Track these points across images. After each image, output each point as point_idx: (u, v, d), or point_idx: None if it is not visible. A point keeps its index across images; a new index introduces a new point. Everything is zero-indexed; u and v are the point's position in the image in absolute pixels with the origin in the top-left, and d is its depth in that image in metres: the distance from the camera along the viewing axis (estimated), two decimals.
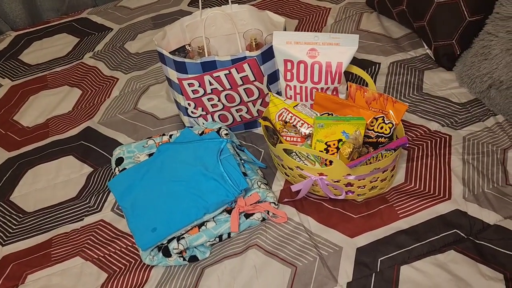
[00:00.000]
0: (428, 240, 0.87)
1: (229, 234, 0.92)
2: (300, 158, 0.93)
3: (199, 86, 1.03)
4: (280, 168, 1.01)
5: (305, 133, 0.95)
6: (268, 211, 0.94)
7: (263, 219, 0.94)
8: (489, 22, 1.09)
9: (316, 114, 0.95)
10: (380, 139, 0.94)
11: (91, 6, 1.78)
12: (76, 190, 1.08)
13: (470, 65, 1.12)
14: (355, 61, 1.14)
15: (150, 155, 1.05)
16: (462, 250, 0.84)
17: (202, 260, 0.90)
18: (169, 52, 1.02)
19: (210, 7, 1.17)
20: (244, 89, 1.04)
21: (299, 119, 0.95)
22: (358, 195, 0.94)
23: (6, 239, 1.00)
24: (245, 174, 0.96)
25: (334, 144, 0.92)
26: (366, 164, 0.87)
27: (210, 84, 1.03)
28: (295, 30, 1.46)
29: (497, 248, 0.83)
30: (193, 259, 0.90)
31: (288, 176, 0.99)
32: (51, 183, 1.11)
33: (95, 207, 1.04)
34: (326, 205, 0.96)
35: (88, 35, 1.59)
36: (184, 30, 1.13)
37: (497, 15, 1.07)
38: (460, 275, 0.81)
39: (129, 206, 0.94)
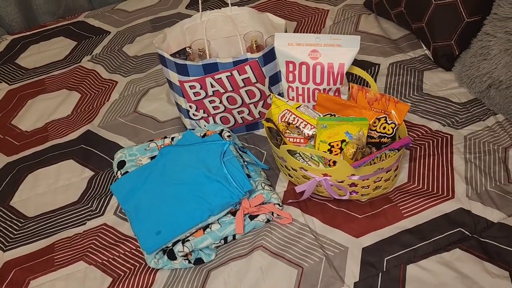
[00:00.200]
0: (433, 239, 0.87)
1: (234, 236, 0.92)
2: (303, 159, 0.93)
3: (200, 89, 1.03)
4: (283, 170, 1.01)
5: (308, 134, 0.95)
6: (272, 213, 0.94)
7: (268, 221, 0.94)
8: (487, 23, 1.10)
9: (319, 115, 0.96)
10: (382, 139, 0.94)
11: (87, 9, 1.77)
12: (77, 194, 1.08)
13: (469, 65, 1.13)
14: (355, 62, 1.14)
15: (152, 158, 1.04)
16: (467, 249, 0.85)
17: (208, 262, 0.90)
18: (170, 55, 1.02)
19: (211, 9, 1.17)
20: (245, 91, 1.04)
21: (302, 120, 0.95)
22: (362, 195, 0.94)
23: (7, 244, 0.99)
24: (248, 176, 0.96)
25: (337, 145, 0.92)
26: (370, 164, 0.88)
27: (212, 86, 1.02)
28: (294, 32, 1.46)
29: (502, 246, 0.84)
30: (199, 261, 0.89)
31: (292, 177, 0.99)
32: (51, 187, 1.10)
33: (97, 211, 1.03)
34: (330, 205, 0.96)
35: (86, 39, 1.58)
36: (184, 32, 1.13)
37: (495, 15, 1.08)
38: (466, 273, 0.81)
39: (132, 209, 0.94)
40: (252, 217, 0.93)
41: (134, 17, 1.66)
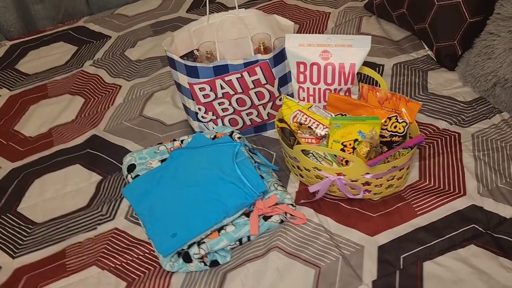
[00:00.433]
0: (448, 236, 0.88)
1: (248, 237, 0.92)
2: (317, 159, 0.94)
3: (210, 91, 1.03)
4: (294, 170, 1.01)
5: (320, 134, 0.95)
6: (285, 213, 0.94)
7: (281, 221, 0.94)
8: (490, 23, 1.12)
9: (331, 115, 0.96)
10: (394, 138, 0.95)
11: (87, 14, 1.76)
12: (86, 199, 1.06)
13: (474, 64, 1.15)
14: None
15: (162, 161, 1.04)
16: (482, 244, 0.86)
17: (223, 264, 0.89)
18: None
19: (213, 13, 1.17)
20: (255, 92, 1.04)
21: (314, 120, 0.95)
22: (374, 194, 0.95)
23: (16, 251, 0.97)
24: (261, 177, 0.96)
25: (350, 144, 0.92)
26: (384, 163, 0.88)
27: (222, 88, 1.02)
28: None
29: None
30: (214, 263, 0.89)
31: (303, 177, 0.99)
32: (59, 192, 1.09)
33: (107, 215, 1.02)
34: (344, 205, 0.96)
35: (87, 43, 1.57)
36: (191, 35, 1.13)
37: (498, 15, 1.10)
38: (482, 268, 0.82)
39: (146, 212, 0.93)
40: (266, 218, 0.93)
41: (134, 21, 1.66)
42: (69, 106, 1.33)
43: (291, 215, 0.94)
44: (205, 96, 1.04)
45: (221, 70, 0.99)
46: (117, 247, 0.95)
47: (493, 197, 0.92)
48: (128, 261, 0.92)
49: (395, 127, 0.94)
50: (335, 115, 0.96)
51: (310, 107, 0.97)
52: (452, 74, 1.24)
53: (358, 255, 0.87)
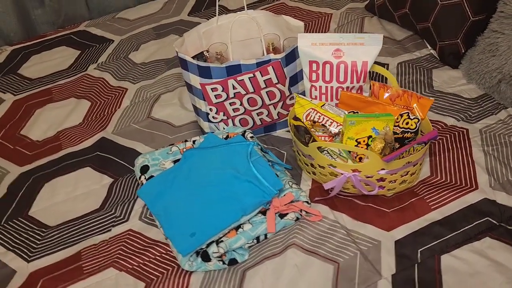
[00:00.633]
0: (463, 229, 0.89)
1: (265, 235, 0.92)
2: (332, 156, 0.95)
3: (222, 91, 1.04)
4: (307, 168, 1.02)
5: (334, 131, 0.96)
6: (301, 210, 0.94)
7: (297, 219, 0.95)
8: (494, 21, 1.15)
9: (344, 113, 0.97)
10: (406, 134, 0.96)
11: (87, 18, 1.76)
12: (98, 201, 1.06)
13: (478, 62, 1.17)
14: None
15: (175, 161, 1.04)
16: (497, 237, 0.87)
17: (242, 262, 0.89)
18: None
19: (219, 15, 1.17)
20: (266, 92, 1.05)
21: (328, 118, 0.96)
22: (388, 190, 0.96)
23: (31, 255, 0.96)
24: (276, 175, 0.97)
25: (364, 141, 0.94)
26: (399, 158, 0.90)
27: (234, 88, 1.03)
28: None
29: None
30: (233, 262, 0.89)
31: (316, 175, 1.00)
32: (71, 195, 1.08)
33: (121, 217, 1.01)
34: (358, 201, 0.97)
35: (89, 47, 1.57)
36: (200, 36, 1.14)
37: (502, 13, 1.12)
38: (499, 260, 0.84)
39: (162, 212, 0.93)
40: (282, 216, 0.94)
41: (136, 25, 1.66)
42: (75, 109, 1.32)
43: (306, 212, 0.95)
44: (217, 96, 1.05)
45: (234, 70, 1.00)
46: (133, 248, 0.95)
47: (505, 191, 0.94)
48: (145, 262, 0.92)
49: (407, 123, 0.96)
50: (348, 113, 0.97)
51: (323, 105, 0.98)
52: (456, 72, 1.26)
53: (375, 250, 0.88)
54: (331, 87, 0.99)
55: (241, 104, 1.06)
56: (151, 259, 0.93)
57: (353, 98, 0.98)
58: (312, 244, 0.90)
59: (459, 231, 0.89)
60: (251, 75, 1.00)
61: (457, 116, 1.13)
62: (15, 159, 1.20)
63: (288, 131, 1.16)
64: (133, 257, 0.93)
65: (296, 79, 1.07)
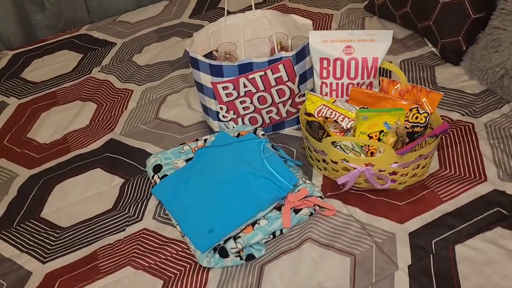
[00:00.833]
0: (475, 220, 0.91)
1: (281, 230, 0.93)
2: (344, 151, 0.96)
3: (233, 89, 1.05)
4: (318, 164, 1.03)
5: (346, 126, 0.98)
6: (315, 205, 0.96)
7: (311, 214, 0.96)
8: (495, 18, 1.18)
9: (356, 108, 0.99)
10: (416, 128, 0.98)
11: (88, 22, 1.76)
12: (111, 201, 1.06)
13: (480, 58, 1.20)
14: None
15: (187, 160, 1.05)
16: (508, 226, 0.89)
17: (259, 258, 0.90)
18: None
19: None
20: (276, 90, 1.07)
21: (339, 114, 0.98)
22: (399, 183, 0.98)
23: (46, 256, 0.96)
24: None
25: (376, 136, 0.95)
26: (412, 152, 0.91)
27: (245, 86, 1.04)
28: None
29: None
30: (250, 257, 0.90)
31: (326, 170, 1.01)
32: (82, 196, 1.08)
33: (135, 216, 1.02)
34: (370, 195, 0.99)
35: (92, 51, 1.57)
36: (209, 36, 1.15)
37: (503, 10, 1.15)
38: (511, 248, 0.86)
39: (178, 210, 0.94)
40: (296, 211, 0.95)
41: (137, 28, 1.66)
42: (81, 112, 1.32)
43: (320, 207, 0.96)
44: (228, 95, 1.06)
45: (246, 68, 1.01)
46: (149, 247, 0.95)
47: None
48: (162, 260, 0.92)
49: (417, 118, 0.98)
50: (359, 108, 0.99)
51: (334, 102, 1.00)
52: (458, 68, 1.29)
53: (390, 242, 0.90)
54: (342, 83, 1.01)
55: (251, 102, 1.08)
56: (167, 257, 0.93)
57: (364, 94, 1.00)
58: (328, 238, 0.91)
59: (471, 222, 0.91)
60: (262, 73, 1.02)
61: (461, 111, 1.15)
62: (23, 162, 1.19)
63: (296, 128, 1.18)
64: (149, 255, 0.93)
65: (305, 77, 1.09)
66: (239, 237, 0.89)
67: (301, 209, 0.95)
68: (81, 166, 1.16)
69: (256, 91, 1.05)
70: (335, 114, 0.98)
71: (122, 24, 1.70)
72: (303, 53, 1.04)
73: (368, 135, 0.95)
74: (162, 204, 1.02)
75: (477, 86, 1.23)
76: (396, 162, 0.92)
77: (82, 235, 0.99)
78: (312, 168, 1.07)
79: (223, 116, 1.11)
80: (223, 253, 0.88)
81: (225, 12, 1.13)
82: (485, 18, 1.24)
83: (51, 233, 1.00)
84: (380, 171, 0.93)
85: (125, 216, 1.02)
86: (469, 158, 1.03)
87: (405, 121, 0.98)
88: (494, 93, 1.19)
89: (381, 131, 0.95)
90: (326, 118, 0.99)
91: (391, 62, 1.34)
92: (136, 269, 0.92)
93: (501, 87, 1.17)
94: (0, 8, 1.59)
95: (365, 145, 0.96)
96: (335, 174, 1.00)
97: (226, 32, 1.16)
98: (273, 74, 1.03)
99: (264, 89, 1.05)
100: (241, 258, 0.89)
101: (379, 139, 0.95)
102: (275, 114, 1.12)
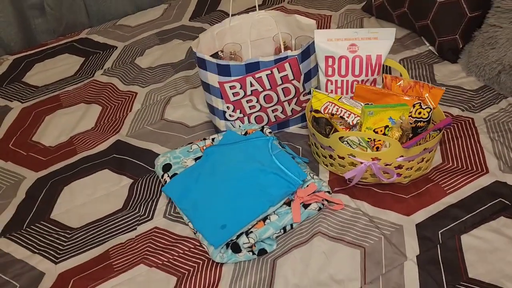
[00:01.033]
0: (478, 210, 0.94)
1: (291, 225, 0.95)
2: (351, 146, 0.98)
3: (240, 88, 1.07)
4: (324, 160, 1.05)
5: (352, 122, 1.00)
6: (323, 200, 0.98)
7: (320, 209, 0.98)
8: (491, 16, 1.22)
9: (361, 105, 1.01)
10: (419, 123, 1.01)
11: (87, 26, 1.77)
12: (121, 201, 1.07)
13: (477, 55, 1.24)
14: None
15: (196, 159, 1.06)
16: (511, 216, 0.92)
17: (271, 252, 0.92)
18: None
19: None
20: (282, 88, 1.09)
21: (345, 110, 1.00)
22: (404, 177, 1.00)
23: (58, 256, 0.97)
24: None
25: (381, 131, 0.98)
26: (417, 145, 0.94)
27: (251, 85, 1.06)
28: None
29: None
30: (262, 252, 0.91)
31: (333, 166, 1.03)
32: (91, 197, 1.09)
33: (146, 215, 1.03)
34: (376, 190, 1.01)
35: (93, 54, 1.58)
36: (214, 37, 1.17)
37: (499, 9, 1.19)
38: None
39: (190, 207, 0.95)
40: (305, 206, 0.97)
41: (138, 31, 1.68)
42: (86, 114, 1.33)
43: (328, 201, 0.98)
44: (234, 94, 1.08)
45: (253, 67, 1.03)
46: (161, 245, 0.96)
47: None
48: (175, 257, 0.94)
49: (419, 113, 1.00)
50: (364, 105, 1.01)
51: (339, 98, 1.02)
52: (455, 66, 1.33)
53: (398, 234, 0.92)
54: (347, 80, 1.03)
55: (258, 101, 1.10)
56: (180, 254, 0.94)
57: (368, 90, 1.02)
58: (337, 231, 0.94)
59: (475, 213, 0.94)
60: (269, 72, 1.04)
61: (461, 107, 1.19)
62: (29, 165, 1.20)
63: (301, 127, 1.20)
64: (162, 253, 0.95)
65: (309, 75, 1.11)
66: (251, 232, 0.90)
67: (310, 204, 0.97)
68: (89, 168, 1.16)
69: (262, 89, 1.08)
70: (341, 111, 1.01)
71: (122, 27, 1.71)
72: (307, 52, 1.06)
73: (374, 130, 0.97)
74: (172, 202, 1.03)
75: (475, 82, 1.26)
76: (402, 156, 0.94)
77: (94, 235, 1.00)
78: (318, 164, 1.09)
79: (230, 115, 1.12)
80: (236, 249, 0.90)
81: (230, 13, 1.15)
82: (480, 16, 1.27)
83: (62, 233, 1.01)
84: (386, 165, 0.96)
85: (135, 216, 1.03)
86: (471, 152, 1.06)
87: (408, 116, 1.01)
88: (491, 89, 1.23)
89: (386, 126, 0.97)
90: (333, 114, 1.01)
91: None
92: (150, 267, 0.93)
93: (498, 83, 1.20)
94: (0, 13, 1.60)
95: (371, 140, 0.98)
96: (341, 170, 1.02)
97: (230, 33, 1.18)
98: (279, 72, 1.05)
99: (270, 87, 1.08)
100: (254, 253, 0.91)
101: (384, 134, 0.98)
102: (281, 112, 1.15)
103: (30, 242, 1.00)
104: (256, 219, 0.91)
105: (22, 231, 1.03)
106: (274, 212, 0.94)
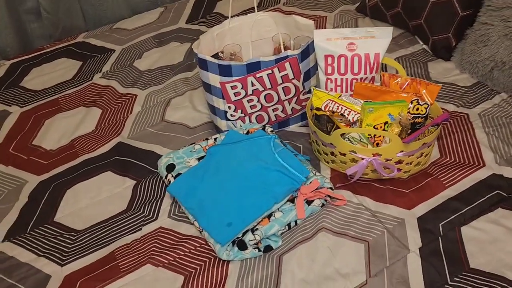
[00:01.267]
0: (477, 203, 0.97)
1: (296, 221, 0.97)
2: (352, 143, 1.00)
3: (241, 88, 1.08)
4: (326, 158, 1.07)
5: (352, 119, 1.02)
6: (326, 196, 0.99)
7: (323, 205, 1.00)
8: (482, 14, 1.25)
9: (360, 102, 1.04)
10: (417, 119, 1.03)
11: (84, 30, 1.77)
12: (125, 203, 1.08)
13: (470, 52, 1.27)
14: None
15: (199, 159, 1.07)
16: (508, 207, 0.95)
17: (276, 248, 0.93)
18: None
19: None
20: (282, 87, 1.11)
21: (346, 108, 1.03)
22: (404, 172, 1.03)
23: (64, 258, 0.97)
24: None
25: (381, 127, 1.00)
26: (416, 140, 0.96)
27: (252, 85, 1.08)
28: None
29: None
30: (268, 249, 0.93)
31: (334, 163, 1.05)
32: (95, 199, 1.10)
33: (150, 216, 1.04)
34: (377, 185, 1.03)
35: (91, 58, 1.59)
36: (214, 39, 1.19)
37: (489, 7, 1.22)
38: None
39: (196, 206, 0.96)
40: (308, 203, 0.98)
41: (135, 34, 1.69)
42: (86, 117, 1.34)
43: (331, 197, 1.00)
44: (236, 94, 1.09)
45: (254, 67, 1.05)
46: (166, 244, 0.97)
47: (510, 166, 1.03)
48: (181, 256, 0.95)
49: (417, 109, 1.03)
50: (364, 102, 1.04)
51: (339, 96, 1.04)
52: (449, 63, 1.36)
53: (400, 227, 0.94)
54: (346, 79, 1.06)
55: (259, 100, 1.11)
56: (186, 253, 0.95)
57: (367, 88, 1.05)
58: (341, 226, 0.95)
59: (474, 205, 0.96)
60: (270, 71, 1.06)
61: (456, 103, 1.21)
62: (31, 168, 1.20)
63: (301, 125, 1.22)
64: (168, 252, 0.96)
65: (309, 74, 1.13)
66: (257, 229, 0.92)
67: (313, 200, 0.99)
68: (91, 170, 1.17)
69: (263, 89, 1.09)
70: (342, 108, 1.03)
71: (119, 31, 1.72)
72: (307, 52, 1.08)
73: (374, 127, 1.00)
74: (176, 202, 1.04)
75: (468, 79, 1.29)
76: (402, 151, 0.96)
77: (99, 237, 1.01)
78: (319, 162, 1.11)
79: (231, 115, 1.14)
80: (242, 246, 0.91)
81: (229, 15, 1.17)
82: (472, 15, 1.31)
83: (67, 236, 1.02)
84: (387, 160, 0.98)
85: (140, 216, 1.04)
86: (467, 146, 1.09)
87: (407, 112, 1.03)
88: (484, 85, 1.26)
89: (386, 122, 0.99)
90: (333, 112, 1.03)
91: None
92: (156, 266, 0.94)
93: (491, 79, 1.23)
94: None
95: (371, 136, 1.00)
96: (343, 166, 1.04)
97: (230, 34, 1.20)
98: (279, 72, 1.07)
99: (271, 87, 1.09)
100: (259, 250, 0.92)
101: (384, 130, 1.00)
102: (281, 111, 1.16)
103: (35, 245, 1.00)
104: (261, 216, 0.93)
105: (26, 234, 1.03)
106: (278, 209, 0.96)
